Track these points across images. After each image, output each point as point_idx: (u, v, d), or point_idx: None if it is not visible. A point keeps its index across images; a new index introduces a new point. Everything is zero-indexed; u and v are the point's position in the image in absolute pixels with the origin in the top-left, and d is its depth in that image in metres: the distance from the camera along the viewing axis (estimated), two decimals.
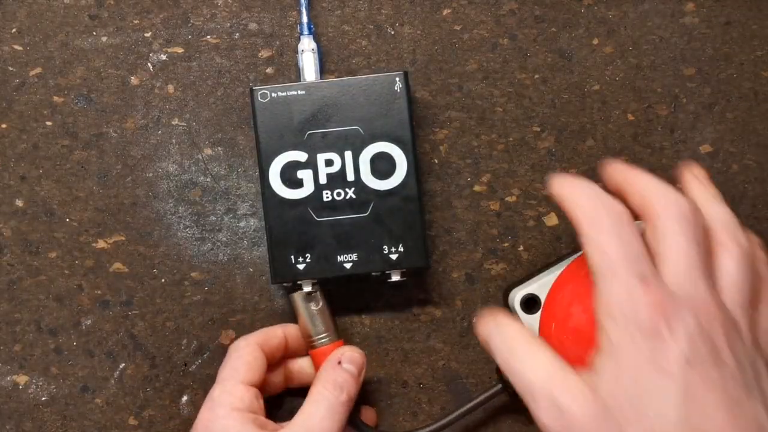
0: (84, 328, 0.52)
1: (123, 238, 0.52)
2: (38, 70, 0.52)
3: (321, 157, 0.49)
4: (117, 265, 0.53)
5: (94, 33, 0.52)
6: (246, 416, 0.46)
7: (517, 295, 0.50)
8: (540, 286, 0.50)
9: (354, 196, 0.49)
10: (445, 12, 0.53)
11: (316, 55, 0.51)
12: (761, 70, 0.53)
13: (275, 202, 0.49)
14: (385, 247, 0.49)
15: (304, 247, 0.49)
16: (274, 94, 0.49)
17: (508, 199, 0.53)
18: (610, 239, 0.37)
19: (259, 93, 0.49)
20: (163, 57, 0.52)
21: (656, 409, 0.35)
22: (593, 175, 0.53)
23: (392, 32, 0.53)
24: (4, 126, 0.52)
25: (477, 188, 0.53)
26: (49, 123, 0.52)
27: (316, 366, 0.50)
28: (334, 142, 0.49)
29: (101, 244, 0.52)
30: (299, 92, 0.49)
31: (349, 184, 0.49)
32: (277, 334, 0.50)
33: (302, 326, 0.50)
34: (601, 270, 0.37)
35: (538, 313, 0.49)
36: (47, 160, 0.52)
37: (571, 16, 0.53)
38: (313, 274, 0.49)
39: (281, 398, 0.52)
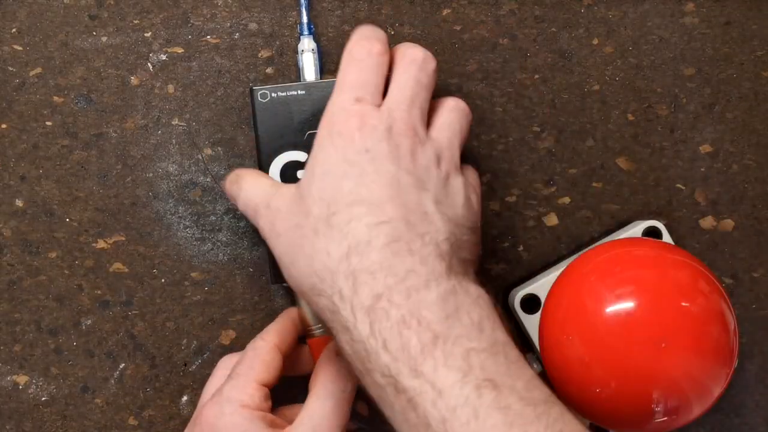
0: (84, 328, 0.52)
1: (123, 238, 0.52)
2: (38, 70, 0.52)
3: None
4: (117, 265, 0.53)
5: (94, 33, 0.52)
6: (255, 414, 0.46)
7: (517, 295, 0.50)
8: (540, 286, 0.50)
9: None
10: (445, 12, 0.53)
11: (316, 55, 0.51)
12: (761, 70, 0.53)
13: None
14: None
15: None
16: (274, 94, 0.49)
17: (508, 199, 0.53)
18: (351, 67, 0.45)
19: (259, 93, 0.49)
20: (163, 57, 0.52)
21: (336, 185, 0.42)
22: (593, 175, 0.53)
23: (392, 32, 0.53)
24: (4, 126, 0.52)
25: None
26: (49, 123, 0.52)
27: (314, 354, 0.50)
28: None
29: (101, 244, 0.52)
30: (299, 92, 0.49)
31: None
32: (292, 331, 0.50)
33: (302, 315, 0.50)
34: (334, 89, 0.45)
35: (538, 313, 0.49)
36: (47, 160, 0.52)
37: (571, 16, 0.53)
38: None
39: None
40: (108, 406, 0.53)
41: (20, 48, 0.52)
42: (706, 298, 0.44)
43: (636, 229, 0.51)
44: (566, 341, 0.45)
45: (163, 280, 0.53)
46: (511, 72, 0.53)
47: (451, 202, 0.43)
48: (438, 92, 0.53)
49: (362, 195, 0.42)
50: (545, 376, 0.47)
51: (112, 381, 0.53)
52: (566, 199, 0.53)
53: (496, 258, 0.53)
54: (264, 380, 0.47)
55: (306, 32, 0.51)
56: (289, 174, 0.49)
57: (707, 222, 0.53)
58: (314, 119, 0.48)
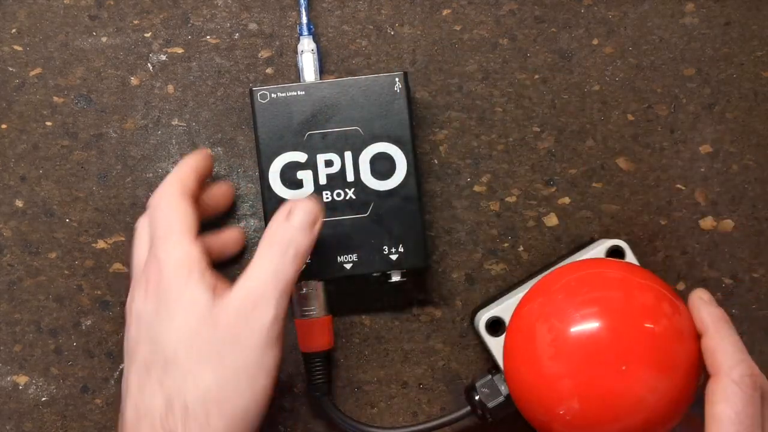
0: (84, 328, 0.52)
1: (123, 238, 0.52)
2: (38, 70, 0.52)
3: (321, 158, 0.49)
4: (117, 266, 0.53)
5: (94, 33, 0.52)
6: (196, 274, 0.44)
7: (482, 318, 0.50)
8: (504, 308, 0.50)
9: (354, 197, 0.49)
10: (445, 12, 0.53)
11: (316, 55, 0.51)
12: (761, 70, 0.53)
13: (275, 202, 0.48)
14: (385, 247, 0.49)
15: None
16: (273, 95, 0.49)
17: (508, 199, 0.53)
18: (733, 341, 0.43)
19: (259, 93, 0.49)
20: (163, 57, 0.52)
21: None
22: (593, 175, 0.53)
23: (392, 32, 0.53)
24: (4, 126, 0.52)
25: (477, 188, 0.53)
26: (49, 123, 0.52)
27: (299, 334, 0.50)
28: (334, 142, 0.49)
29: (101, 244, 0.52)
30: (299, 93, 0.49)
31: (349, 185, 0.49)
32: (193, 169, 0.48)
33: (294, 296, 0.50)
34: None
35: (504, 335, 0.49)
36: (47, 160, 0.52)
37: (571, 16, 0.53)
38: (313, 275, 0.49)
39: None
40: (108, 406, 0.53)
41: (20, 48, 0.52)
42: (668, 320, 0.44)
43: (599, 249, 0.50)
44: (530, 360, 0.45)
45: None
46: (511, 72, 0.53)
47: None
48: (438, 91, 0.53)
49: None
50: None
51: (112, 381, 0.53)
52: (566, 199, 0.53)
53: (496, 258, 0.53)
54: (190, 230, 0.45)
55: (305, 33, 0.51)
56: (289, 174, 0.49)
57: (707, 222, 0.53)
58: (314, 120, 0.49)
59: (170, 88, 0.52)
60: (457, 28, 0.53)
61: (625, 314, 0.44)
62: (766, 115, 0.53)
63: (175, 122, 0.52)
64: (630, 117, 0.53)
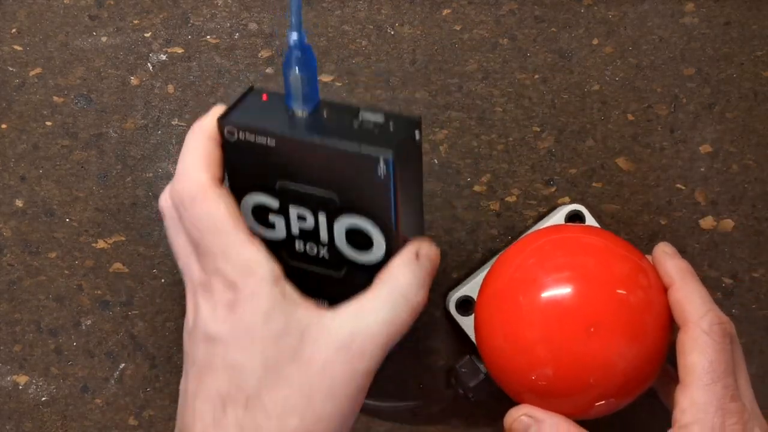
0: (84, 328, 0.52)
1: (123, 238, 0.53)
2: (38, 70, 0.52)
3: (293, 210, 0.41)
4: (117, 265, 0.53)
5: (94, 33, 0.52)
6: (279, 289, 0.38)
7: (452, 298, 0.50)
8: (473, 286, 0.49)
9: (327, 257, 0.42)
10: (445, 12, 0.53)
11: (304, 81, 0.40)
12: (761, 70, 0.53)
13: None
14: None
15: None
16: (241, 135, 0.40)
17: (508, 199, 0.53)
18: (720, 354, 0.42)
19: (226, 130, 0.40)
20: (163, 57, 0.52)
21: None
22: (593, 175, 0.53)
23: (392, 32, 0.53)
24: (4, 126, 0.52)
25: (477, 188, 0.53)
26: (49, 123, 0.52)
27: None
28: (307, 200, 0.41)
29: (101, 244, 0.53)
30: (268, 142, 0.39)
31: (323, 244, 0.42)
32: (215, 157, 0.41)
33: None
34: (704, 378, 0.42)
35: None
36: (47, 160, 0.52)
37: (571, 16, 0.53)
38: None
39: None
40: (108, 406, 0.53)
41: (20, 48, 0.52)
42: (636, 281, 0.44)
43: (559, 215, 0.50)
44: (500, 325, 0.44)
45: (163, 280, 0.53)
46: (511, 72, 0.53)
47: None
48: (438, 91, 0.53)
49: None
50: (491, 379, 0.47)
51: (112, 381, 0.53)
52: (566, 199, 0.53)
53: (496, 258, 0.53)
54: (245, 227, 0.39)
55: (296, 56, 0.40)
56: (261, 215, 0.42)
57: (707, 222, 0.53)
58: (285, 171, 0.40)
59: (170, 88, 0.52)
60: (457, 27, 0.53)
61: (590, 277, 0.44)
62: (766, 115, 0.53)
63: (175, 122, 0.53)
64: (630, 117, 0.53)
